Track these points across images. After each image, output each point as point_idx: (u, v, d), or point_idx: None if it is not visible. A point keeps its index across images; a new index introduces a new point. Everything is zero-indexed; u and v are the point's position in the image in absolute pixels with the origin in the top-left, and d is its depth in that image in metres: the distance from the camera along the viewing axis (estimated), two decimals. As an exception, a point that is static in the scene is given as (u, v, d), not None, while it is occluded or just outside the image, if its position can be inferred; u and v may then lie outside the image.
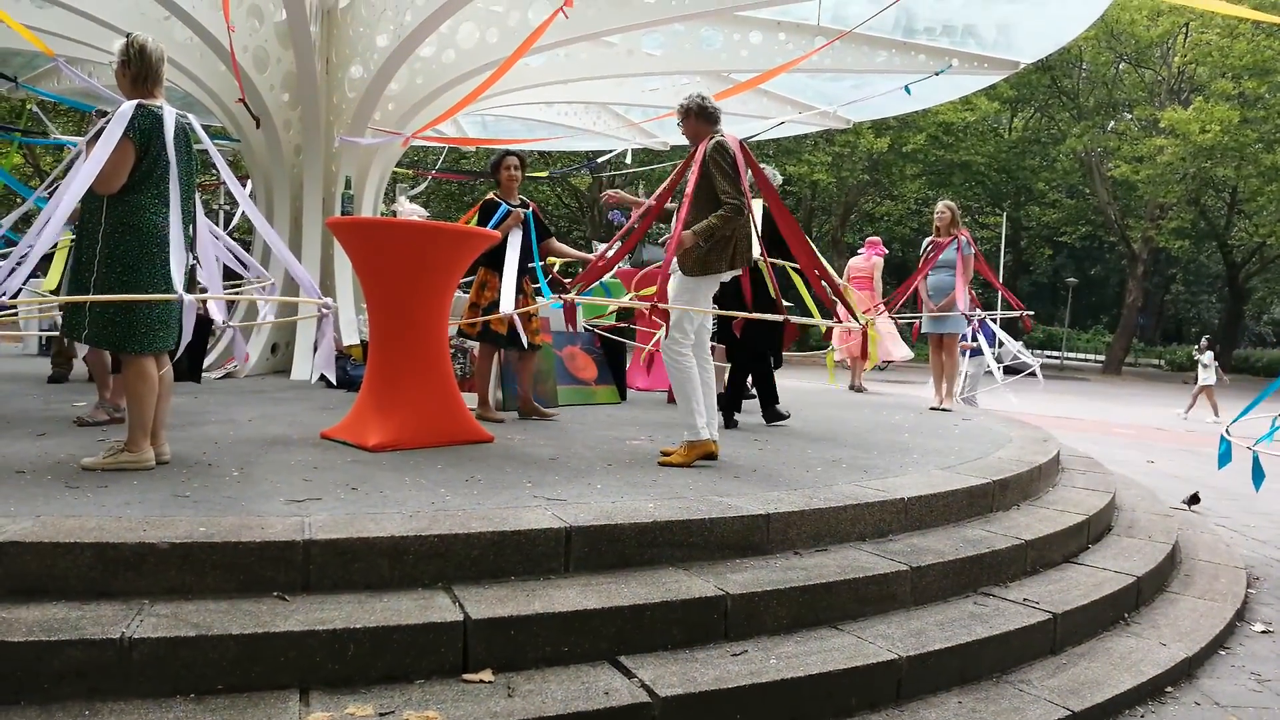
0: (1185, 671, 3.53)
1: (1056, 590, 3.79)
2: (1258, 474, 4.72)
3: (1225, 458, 4.88)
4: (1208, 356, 15.42)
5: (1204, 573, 4.79)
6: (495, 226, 5.50)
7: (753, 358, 6.41)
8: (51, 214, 3.81)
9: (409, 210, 4.86)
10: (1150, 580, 4.25)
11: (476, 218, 5.80)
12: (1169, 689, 3.39)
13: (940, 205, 8.36)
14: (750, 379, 6.65)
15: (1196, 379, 15.66)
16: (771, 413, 6.48)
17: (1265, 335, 45.13)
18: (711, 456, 4.57)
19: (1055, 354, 39.02)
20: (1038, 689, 3.12)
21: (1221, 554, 5.26)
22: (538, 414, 6.05)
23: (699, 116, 4.80)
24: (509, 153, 6.03)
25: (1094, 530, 4.72)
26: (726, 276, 4.74)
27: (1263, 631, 4.16)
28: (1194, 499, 6.83)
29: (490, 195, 5.90)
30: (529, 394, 6.09)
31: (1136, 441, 11.31)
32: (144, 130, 3.70)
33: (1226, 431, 4.95)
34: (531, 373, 6.14)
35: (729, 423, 6.16)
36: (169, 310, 3.82)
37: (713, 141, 4.59)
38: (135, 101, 3.74)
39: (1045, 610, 3.52)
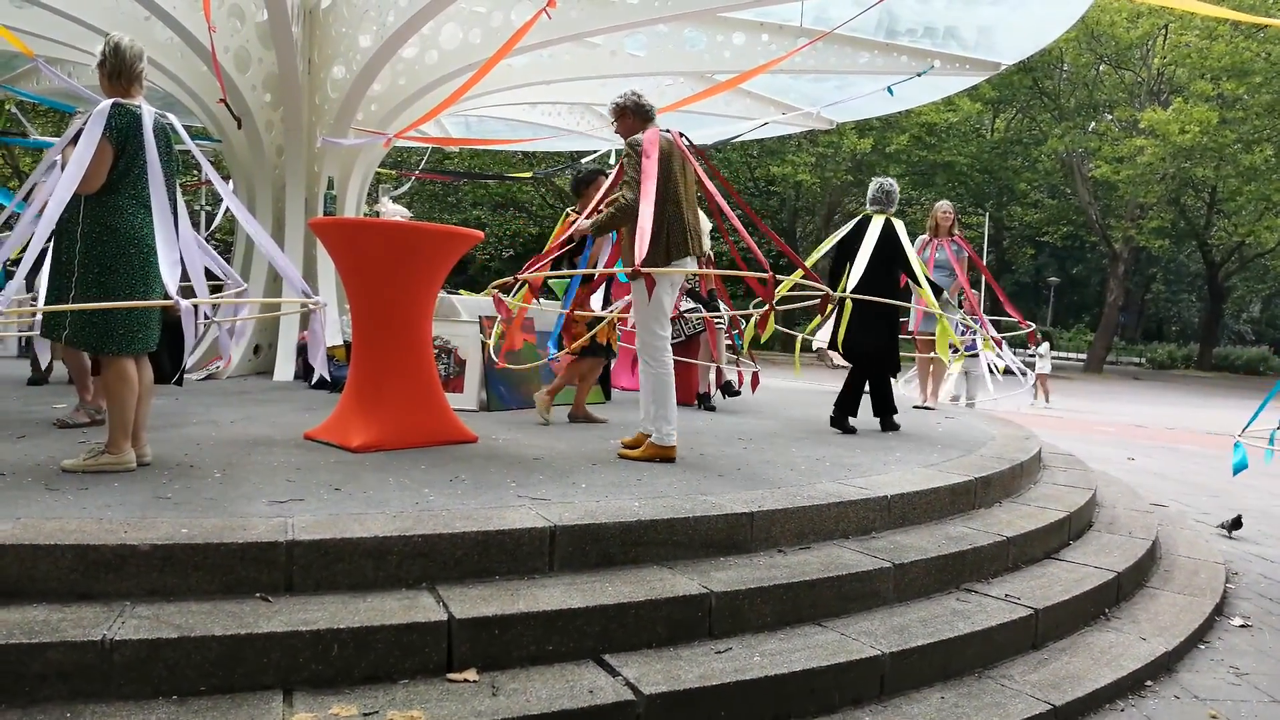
0: (1165, 665, 3.56)
1: (1038, 586, 3.82)
2: (1239, 463, 4.70)
3: (1241, 465, 4.80)
4: (1044, 347, 18.22)
5: (1184, 568, 4.83)
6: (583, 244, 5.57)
7: (872, 367, 6.38)
8: (37, 218, 3.81)
9: (392, 211, 4.85)
10: (1130, 576, 4.29)
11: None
12: (1149, 683, 3.42)
13: (945, 205, 8.35)
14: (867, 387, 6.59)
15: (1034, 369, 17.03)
16: (887, 422, 6.35)
17: (1244, 333, 45.55)
18: (671, 460, 4.58)
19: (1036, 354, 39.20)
20: (1019, 684, 3.15)
21: (1201, 550, 5.31)
22: (588, 418, 6.07)
23: (634, 114, 4.80)
24: (603, 173, 5.93)
25: (1075, 527, 4.76)
26: (689, 267, 4.80)
27: (1241, 625, 4.20)
28: (1236, 524, 6.17)
29: (570, 213, 5.89)
30: (584, 399, 6.16)
31: (1116, 439, 11.40)
32: (121, 129, 3.67)
33: (1236, 447, 4.89)
34: (591, 380, 6.19)
35: (847, 428, 6.16)
36: (148, 311, 3.80)
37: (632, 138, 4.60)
38: (112, 100, 3.72)
39: (1027, 606, 3.54)
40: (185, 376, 6.93)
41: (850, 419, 6.24)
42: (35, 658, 2.35)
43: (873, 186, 6.47)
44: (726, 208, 4.79)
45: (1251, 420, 5.06)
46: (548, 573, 3.12)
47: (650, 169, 4.41)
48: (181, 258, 3.87)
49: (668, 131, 4.73)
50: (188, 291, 4.65)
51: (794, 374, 8.22)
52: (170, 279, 3.60)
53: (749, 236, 4.61)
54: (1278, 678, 3.59)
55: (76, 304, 3.63)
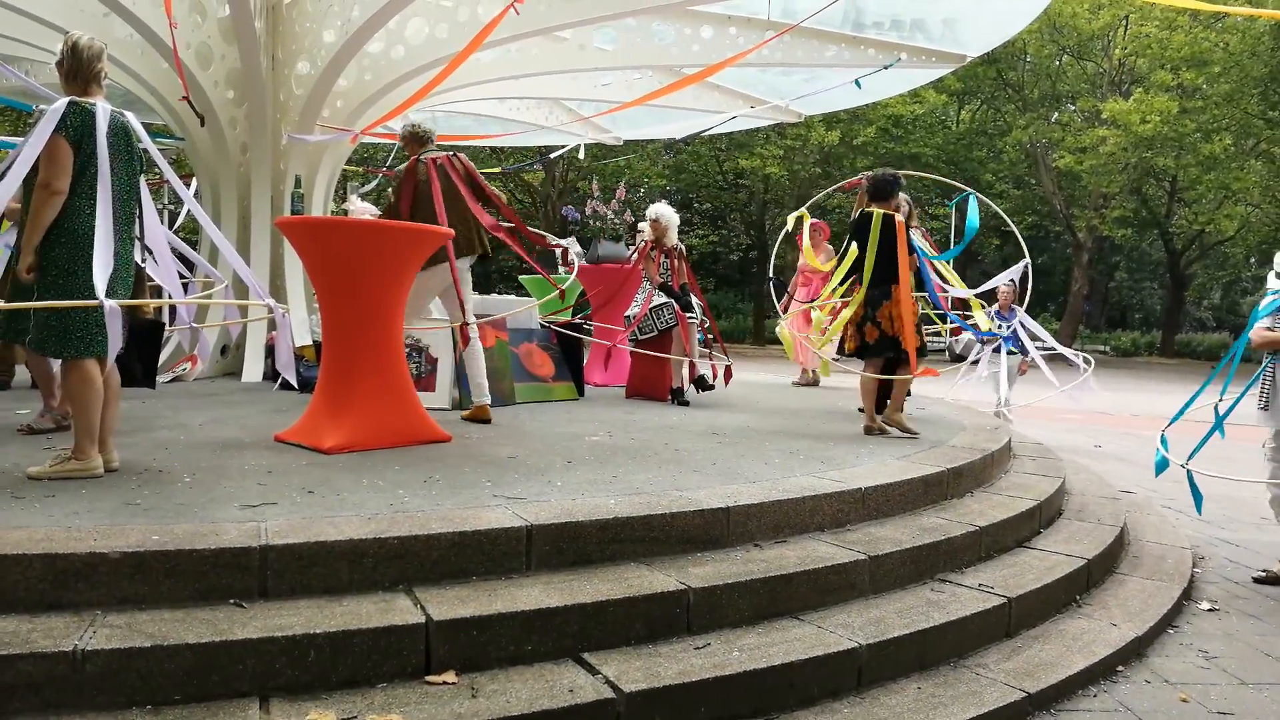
0: (1136, 650, 3.62)
1: (1010, 575, 3.87)
2: (1196, 496, 4.58)
3: (1162, 466, 4.79)
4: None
5: (1151, 554, 4.91)
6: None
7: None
8: None
9: (360, 209, 4.81)
10: (1100, 563, 4.35)
11: (854, 231, 5.87)
12: (1120, 668, 3.48)
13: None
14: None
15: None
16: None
17: (1205, 320, 46.23)
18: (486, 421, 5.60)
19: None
20: (994, 672, 3.19)
21: (1168, 535, 5.40)
22: (902, 429, 5.74)
23: (413, 140, 5.78)
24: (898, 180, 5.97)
25: (1045, 515, 4.82)
26: (464, 264, 5.66)
27: (1209, 609, 4.28)
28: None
29: (865, 209, 5.86)
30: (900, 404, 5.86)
31: (1083, 426, 11.55)
32: (77, 128, 3.60)
33: (1162, 440, 4.80)
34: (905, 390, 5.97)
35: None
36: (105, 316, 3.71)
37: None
38: (68, 99, 3.65)
39: (1000, 595, 3.59)
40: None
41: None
42: (5, 670, 2.31)
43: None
44: (504, 206, 6.02)
45: (1176, 418, 4.93)
46: (525, 572, 3.11)
47: (408, 190, 5.50)
48: (151, 257, 3.81)
49: (449, 152, 5.73)
50: (157, 291, 4.59)
51: (758, 368, 8.18)
52: (100, 279, 3.48)
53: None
54: (1245, 660, 3.66)
55: (11, 305, 3.58)
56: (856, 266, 5.83)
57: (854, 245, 5.83)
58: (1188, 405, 4.88)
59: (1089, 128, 30.73)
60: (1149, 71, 29.56)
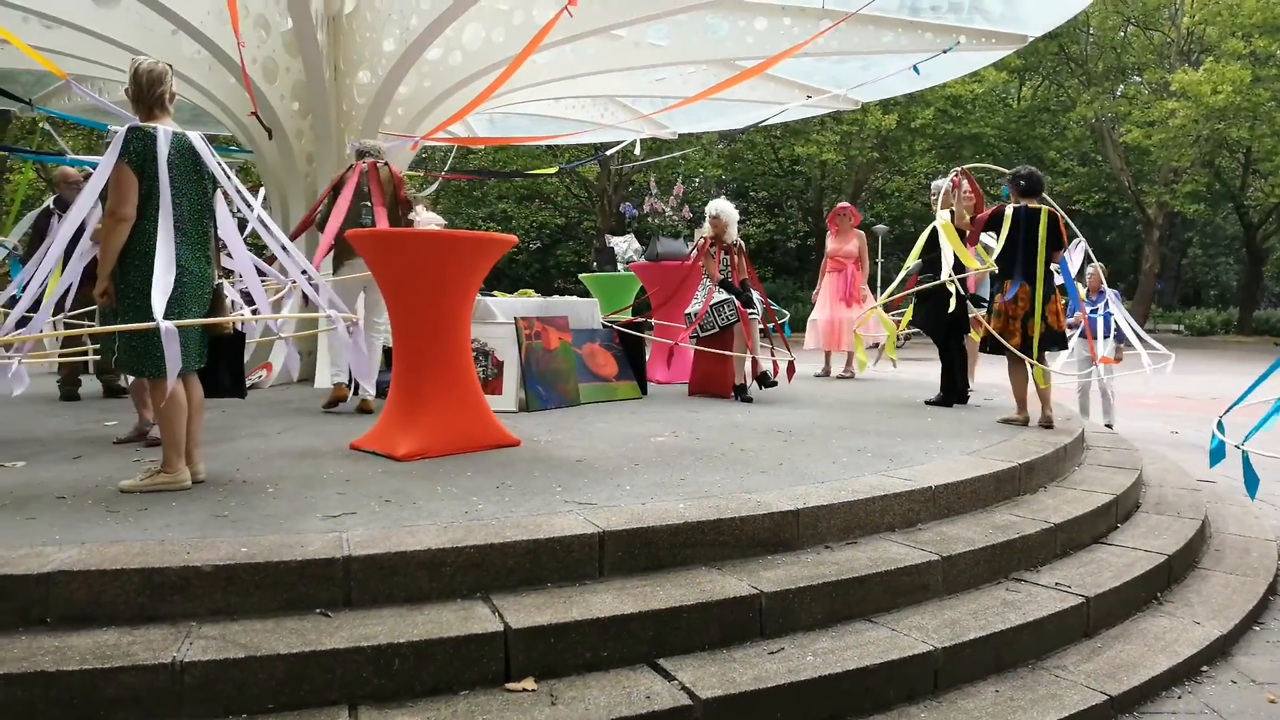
0: (1220, 649, 3.54)
1: (1088, 573, 3.81)
2: (1250, 480, 4.45)
3: (1218, 454, 4.59)
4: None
5: (1234, 547, 4.78)
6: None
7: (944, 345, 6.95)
8: (51, 243, 3.95)
9: (427, 219, 4.89)
10: (1181, 558, 4.26)
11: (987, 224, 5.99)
12: (1205, 668, 3.41)
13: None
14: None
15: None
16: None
17: (1285, 295, 44.71)
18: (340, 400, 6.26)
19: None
20: (1074, 674, 3.15)
21: (1251, 526, 5.25)
22: (1047, 423, 5.77)
23: (354, 155, 6.53)
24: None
25: (1122, 509, 4.73)
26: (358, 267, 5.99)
27: (1296, 605, 4.16)
28: None
29: (1007, 206, 5.88)
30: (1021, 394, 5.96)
31: (1159, 411, 11.26)
32: (138, 153, 3.70)
33: (1219, 425, 4.49)
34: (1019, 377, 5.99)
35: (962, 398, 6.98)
36: (189, 332, 3.83)
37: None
38: (129, 125, 3.76)
39: (1077, 594, 3.53)
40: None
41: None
42: (109, 682, 2.43)
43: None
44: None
45: (1240, 400, 4.63)
46: (598, 578, 3.15)
47: (323, 196, 6.31)
48: (228, 276, 3.91)
49: (376, 160, 6.29)
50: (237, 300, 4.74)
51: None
52: (159, 301, 3.54)
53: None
54: (1336, 658, 3.55)
55: (100, 328, 3.72)
56: (1010, 260, 5.78)
57: (1001, 240, 5.76)
58: (1250, 390, 4.64)
59: (1157, 100, 29.83)
60: (1219, 40, 28.59)
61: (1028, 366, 5.79)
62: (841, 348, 9.32)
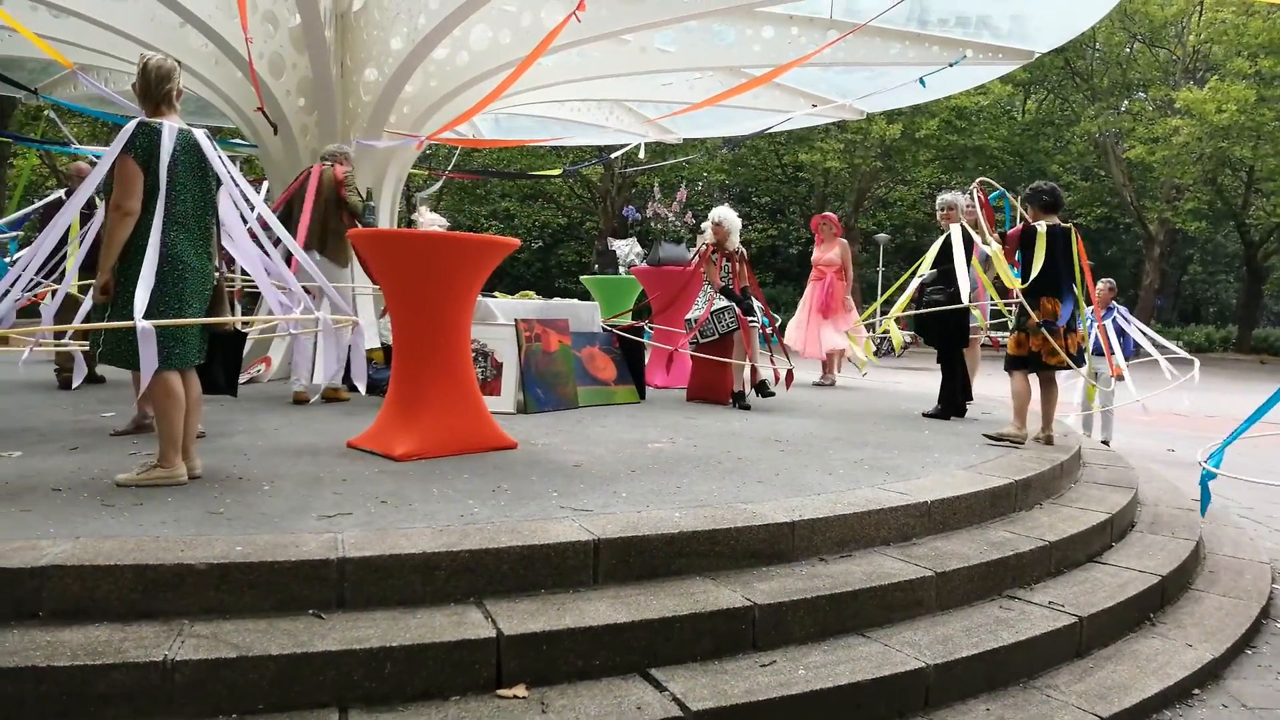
0: (1212, 673, 3.54)
1: (1081, 592, 3.81)
2: (1205, 497, 4.46)
3: (1206, 502, 4.61)
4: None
5: (1228, 569, 4.79)
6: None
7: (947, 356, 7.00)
8: (50, 229, 4.03)
9: (429, 220, 4.89)
10: (1174, 579, 4.26)
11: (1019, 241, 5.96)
12: (1196, 691, 3.41)
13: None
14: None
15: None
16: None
17: (1284, 315, 44.74)
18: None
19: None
20: (1065, 694, 3.15)
21: (1245, 548, 5.25)
22: (1051, 441, 5.76)
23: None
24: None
25: (1117, 528, 4.73)
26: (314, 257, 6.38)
27: (1288, 629, 4.16)
28: None
29: (1028, 224, 5.89)
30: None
31: (1154, 429, 11.26)
32: (144, 148, 3.70)
33: (1204, 477, 4.50)
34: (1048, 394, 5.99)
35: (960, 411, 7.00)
36: (185, 327, 3.84)
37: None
38: (136, 120, 3.77)
39: (1071, 613, 3.53)
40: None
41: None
42: (100, 679, 2.42)
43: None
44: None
45: (1230, 439, 4.52)
46: (592, 586, 3.15)
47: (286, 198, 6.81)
48: (233, 272, 3.91)
49: (328, 162, 6.82)
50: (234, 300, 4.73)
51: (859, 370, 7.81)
52: (141, 299, 3.54)
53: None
54: (1327, 684, 3.55)
55: (97, 324, 3.72)
56: (1038, 278, 5.72)
57: (1038, 260, 5.71)
58: (1241, 430, 4.46)
59: (1161, 117, 29.87)
60: (1225, 59, 28.66)
61: (1057, 385, 5.90)
62: (818, 355, 9.43)
